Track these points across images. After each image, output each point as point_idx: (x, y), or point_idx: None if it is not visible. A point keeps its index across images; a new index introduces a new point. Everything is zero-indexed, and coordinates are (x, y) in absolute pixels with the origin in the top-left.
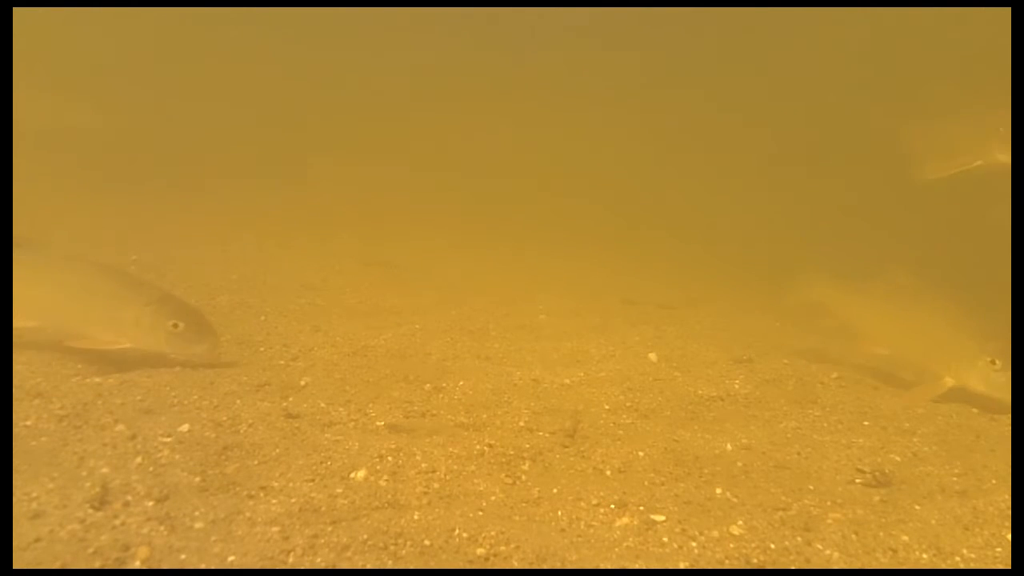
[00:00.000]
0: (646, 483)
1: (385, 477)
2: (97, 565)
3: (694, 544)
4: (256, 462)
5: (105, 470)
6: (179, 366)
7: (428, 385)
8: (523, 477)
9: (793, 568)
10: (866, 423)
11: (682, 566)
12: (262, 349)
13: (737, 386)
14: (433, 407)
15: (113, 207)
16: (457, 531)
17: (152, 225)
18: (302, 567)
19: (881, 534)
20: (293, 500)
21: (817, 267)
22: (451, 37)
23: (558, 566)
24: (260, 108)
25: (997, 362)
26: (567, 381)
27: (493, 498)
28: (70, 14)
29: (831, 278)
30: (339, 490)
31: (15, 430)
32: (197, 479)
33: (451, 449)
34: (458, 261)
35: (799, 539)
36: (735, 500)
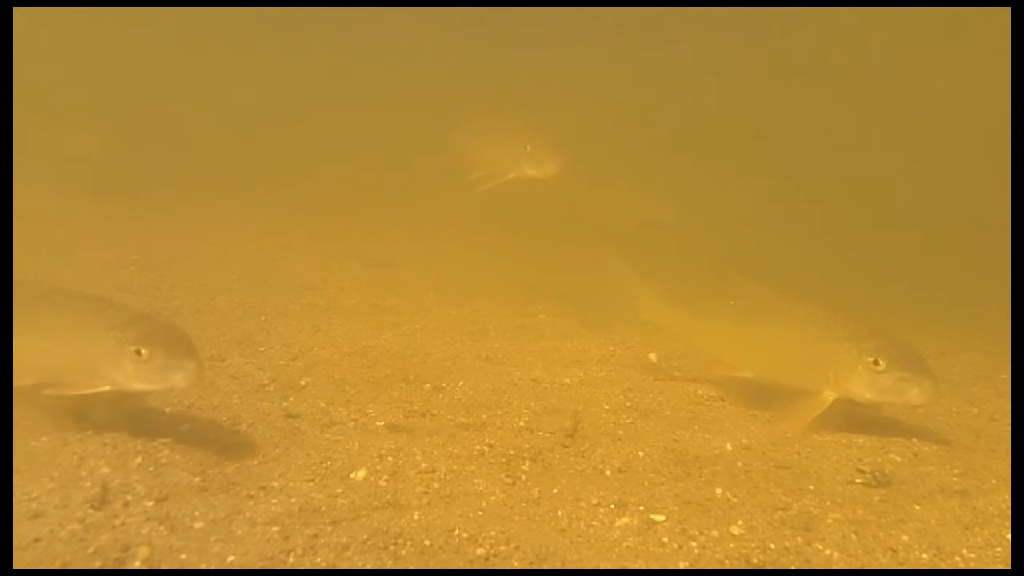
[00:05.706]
0: (646, 483)
1: (385, 477)
2: (97, 565)
3: (694, 544)
4: (256, 462)
5: (105, 470)
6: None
7: (428, 385)
8: (523, 477)
9: (793, 568)
10: (866, 423)
11: (682, 566)
12: (262, 349)
13: (737, 386)
14: (433, 407)
15: (116, 212)
16: (457, 531)
17: (154, 227)
18: (302, 567)
19: (881, 534)
20: (293, 500)
21: (651, 281)
22: (450, 36)
23: (558, 566)
24: (258, 109)
25: (880, 362)
26: (567, 381)
27: (493, 498)
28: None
29: (663, 294)
30: (339, 490)
31: (15, 430)
32: (197, 479)
33: (451, 449)
34: (458, 261)
35: (799, 539)
36: (735, 500)
